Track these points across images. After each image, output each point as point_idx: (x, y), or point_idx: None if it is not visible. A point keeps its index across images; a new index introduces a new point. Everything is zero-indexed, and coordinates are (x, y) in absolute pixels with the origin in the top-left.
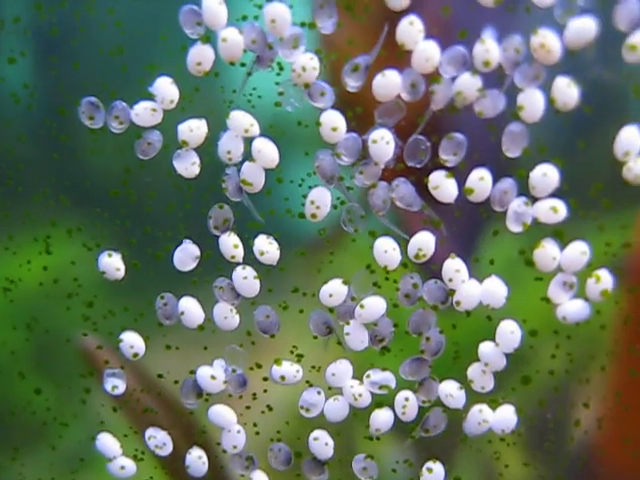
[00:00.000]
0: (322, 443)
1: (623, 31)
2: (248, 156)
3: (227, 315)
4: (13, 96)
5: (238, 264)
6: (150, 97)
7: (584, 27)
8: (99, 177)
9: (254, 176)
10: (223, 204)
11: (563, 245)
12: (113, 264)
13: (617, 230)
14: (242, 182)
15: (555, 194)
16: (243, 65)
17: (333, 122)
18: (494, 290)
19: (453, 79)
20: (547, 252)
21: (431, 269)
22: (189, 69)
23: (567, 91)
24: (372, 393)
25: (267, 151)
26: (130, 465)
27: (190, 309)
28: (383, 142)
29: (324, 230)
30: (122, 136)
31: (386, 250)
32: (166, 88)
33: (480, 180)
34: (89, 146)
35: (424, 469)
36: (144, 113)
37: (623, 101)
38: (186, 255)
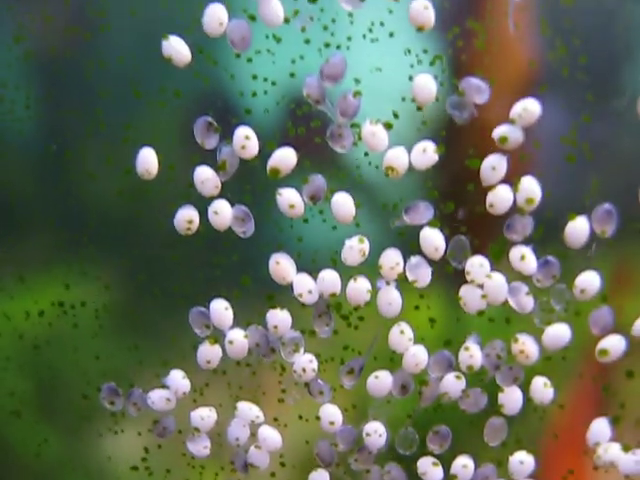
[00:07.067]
0: None
1: (595, 335)
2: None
3: None
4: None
5: None
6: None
7: (560, 332)
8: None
9: (259, 460)
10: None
11: None
12: None
13: None
14: (249, 465)
15: None
16: (248, 365)
17: (330, 416)
18: None
19: (440, 378)
20: None
21: None
22: (199, 365)
23: (544, 390)
24: None
25: (272, 438)
26: None
27: None
28: (376, 435)
29: None
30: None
31: None
32: (179, 381)
33: (463, 467)
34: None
35: None
36: (159, 401)
37: None
38: None
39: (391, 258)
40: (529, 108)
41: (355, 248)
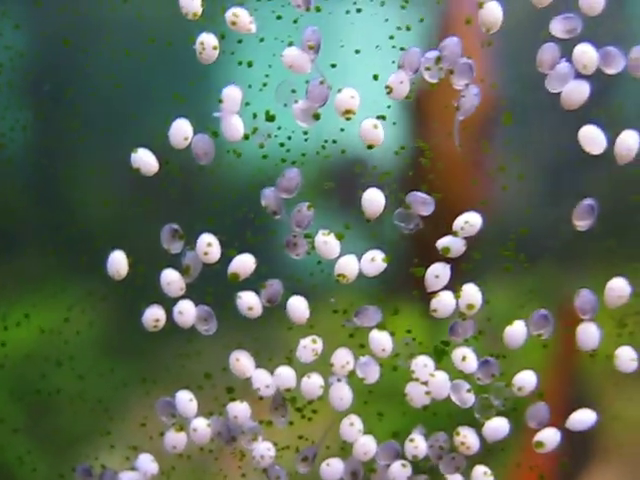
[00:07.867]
0: None
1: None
2: None
3: None
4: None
5: None
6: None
7: (499, 426)
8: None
9: None
10: None
11: None
12: None
13: None
14: None
15: None
16: (211, 451)
17: None
18: None
19: (387, 466)
20: None
21: None
22: (166, 450)
23: (484, 479)
24: None
25: None
26: None
27: None
28: None
29: None
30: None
31: None
32: (147, 464)
33: None
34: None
35: None
36: None
37: None
38: None
39: (342, 357)
40: (471, 221)
41: (309, 347)
